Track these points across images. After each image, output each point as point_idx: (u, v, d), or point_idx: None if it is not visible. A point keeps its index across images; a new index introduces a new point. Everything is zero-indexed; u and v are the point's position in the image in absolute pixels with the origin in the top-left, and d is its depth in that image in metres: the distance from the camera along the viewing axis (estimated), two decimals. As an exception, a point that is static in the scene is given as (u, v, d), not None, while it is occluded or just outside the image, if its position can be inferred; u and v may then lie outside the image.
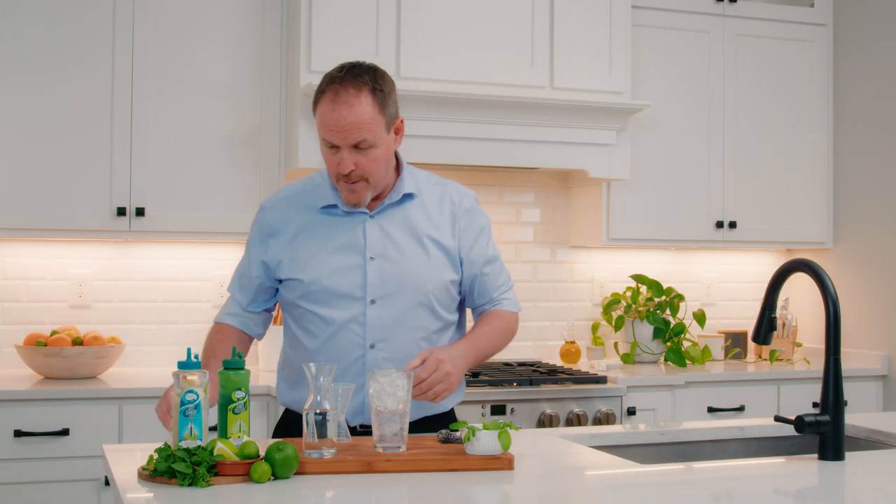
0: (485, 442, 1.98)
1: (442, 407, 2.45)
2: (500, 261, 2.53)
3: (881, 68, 4.35)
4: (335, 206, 2.38)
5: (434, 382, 2.22)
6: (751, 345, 4.57)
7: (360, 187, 2.30)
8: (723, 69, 4.35)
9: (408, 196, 2.40)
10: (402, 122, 2.35)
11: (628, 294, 4.37)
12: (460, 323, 2.52)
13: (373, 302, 2.34)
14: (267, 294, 2.46)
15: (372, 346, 2.34)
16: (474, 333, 2.42)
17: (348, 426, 2.34)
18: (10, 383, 3.36)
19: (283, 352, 2.52)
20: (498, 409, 3.52)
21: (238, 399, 2.02)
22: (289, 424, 2.45)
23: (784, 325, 4.50)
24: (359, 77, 2.25)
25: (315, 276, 2.34)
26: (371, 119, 2.23)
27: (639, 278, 4.34)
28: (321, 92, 2.28)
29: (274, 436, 2.49)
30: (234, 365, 2.05)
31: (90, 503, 3.27)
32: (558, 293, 4.44)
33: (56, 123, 3.56)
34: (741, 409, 3.98)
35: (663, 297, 4.32)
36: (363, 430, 2.34)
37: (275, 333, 3.10)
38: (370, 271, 2.34)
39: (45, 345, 3.45)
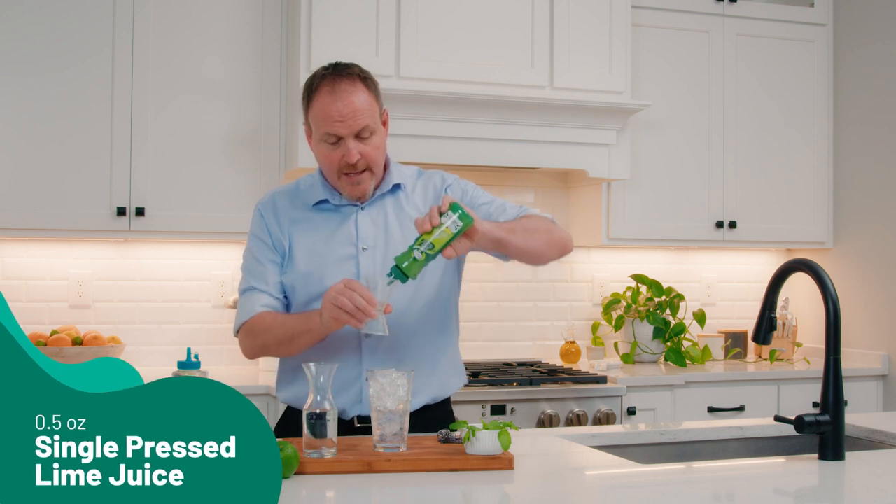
0: (485, 442, 1.98)
1: (441, 394, 2.45)
2: (501, 199, 2.50)
3: (881, 68, 4.35)
4: (326, 201, 2.42)
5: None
6: (751, 345, 4.56)
7: (365, 178, 2.35)
8: (723, 69, 4.35)
9: (396, 187, 2.45)
10: (387, 114, 2.41)
11: (628, 294, 4.37)
12: (455, 327, 2.52)
13: None
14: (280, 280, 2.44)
15: (367, 336, 2.34)
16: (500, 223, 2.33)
17: (346, 418, 2.33)
18: (10, 383, 3.36)
19: None
20: (498, 409, 3.52)
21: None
22: (290, 422, 2.44)
23: (784, 325, 4.49)
24: (348, 69, 2.33)
25: (311, 270, 2.37)
26: (369, 105, 2.31)
27: (639, 278, 4.34)
28: (315, 89, 2.32)
29: (275, 434, 2.49)
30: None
31: (90, 503, 3.26)
32: (558, 293, 4.44)
33: (56, 123, 3.56)
34: (741, 409, 3.98)
35: (663, 297, 4.32)
36: (361, 424, 2.35)
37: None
38: (363, 262, 2.37)
39: (45, 345, 3.45)
